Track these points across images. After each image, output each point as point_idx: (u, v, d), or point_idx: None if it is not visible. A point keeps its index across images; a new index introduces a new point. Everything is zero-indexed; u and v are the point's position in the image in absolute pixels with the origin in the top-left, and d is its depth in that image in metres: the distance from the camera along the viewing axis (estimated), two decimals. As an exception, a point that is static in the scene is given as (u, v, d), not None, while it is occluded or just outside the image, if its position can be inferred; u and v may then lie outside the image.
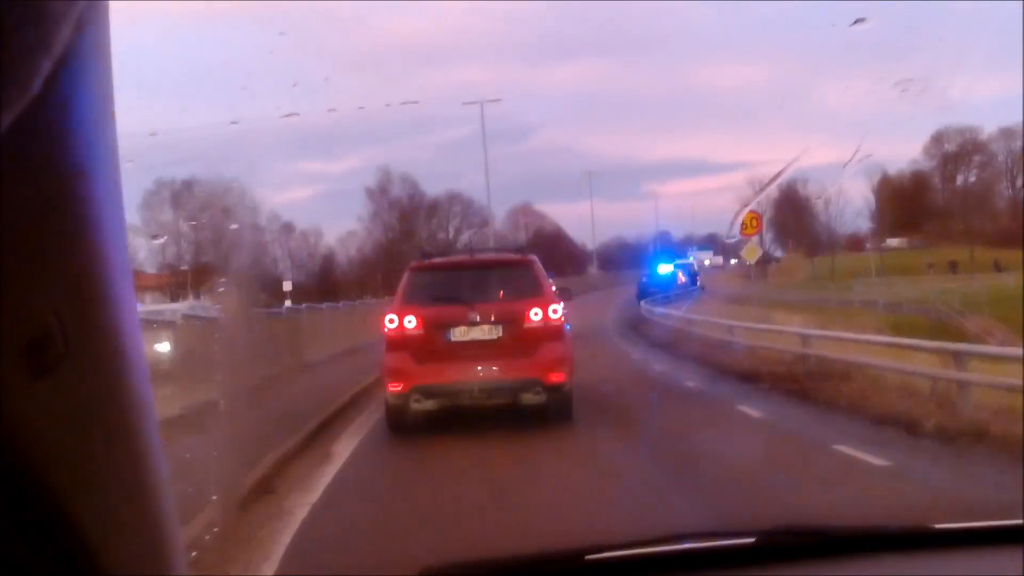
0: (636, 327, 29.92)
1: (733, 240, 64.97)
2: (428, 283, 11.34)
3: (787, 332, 17.70)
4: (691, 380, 15.50)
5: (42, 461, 0.67)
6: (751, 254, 24.32)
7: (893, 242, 79.36)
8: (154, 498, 0.79)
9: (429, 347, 10.80)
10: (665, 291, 42.25)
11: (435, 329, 10.86)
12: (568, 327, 11.50)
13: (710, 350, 19.40)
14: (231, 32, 74.80)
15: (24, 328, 0.65)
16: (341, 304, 26.16)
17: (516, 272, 11.49)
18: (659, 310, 31.93)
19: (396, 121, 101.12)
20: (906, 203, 78.88)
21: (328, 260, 74.24)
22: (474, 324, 10.85)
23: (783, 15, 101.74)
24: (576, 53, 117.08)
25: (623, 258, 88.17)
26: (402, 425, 11.03)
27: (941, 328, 32.73)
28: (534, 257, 11.78)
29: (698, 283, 48.88)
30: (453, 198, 76.26)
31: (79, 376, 0.70)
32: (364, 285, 63.56)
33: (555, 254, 56.30)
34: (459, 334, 10.88)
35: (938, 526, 2.10)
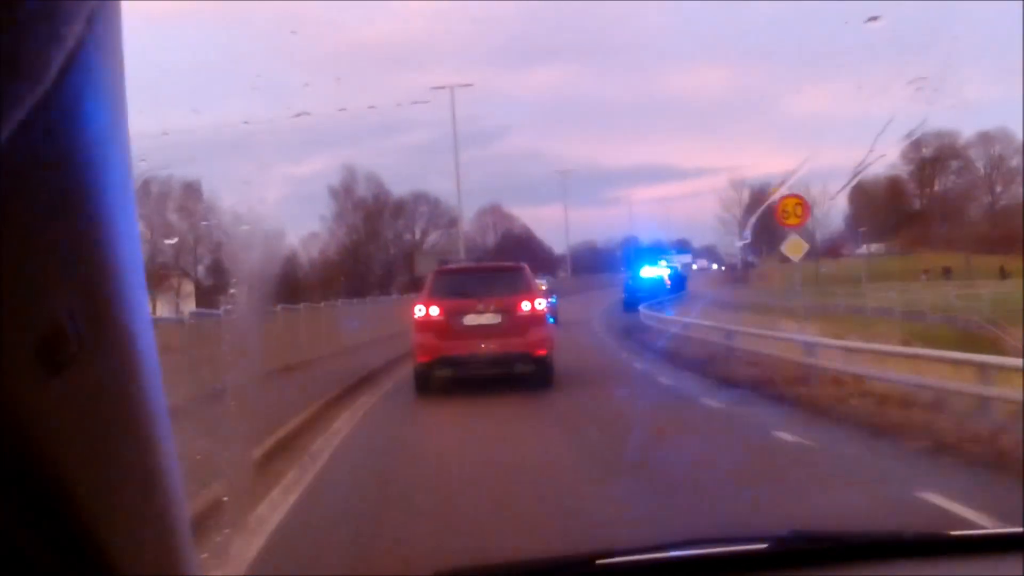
0: (640, 338, 24.15)
1: (746, 242, 60.39)
2: (448, 282, 14.33)
3: (901, 354, 12.06)
4: (782, 428, 9.87)
5: (55, 460, 0.65)
6: (795, 249, 18.70)
7: (871, 248, 75.06)
8: (166, 497, 0.77)
9: (448, 329, 13.55)
10: (653, 296, 36.73)
11: (453, 316, 13.64)
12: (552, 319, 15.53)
13: (772, 373, 13.76)
14: (186, 33, 68.93)
15: (38, 326, 0.63)
16: (279, 308, 20.32)
17: (511, 275, 14.56)
18: (667, 315, 26.33)
19: (362, 124, 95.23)
20: (883, 209, 74.50)
21: (290, 262, 68.09)
22: (481, 313, 13.65)
23: (752, 22, 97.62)
24: (545, 59, 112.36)
25: (593, 262, 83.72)
26: (427, 387, 13.75)
27: (972, 339, 27.50)
28: (525, 265, 15.20)
29: (686, 287, 43.26)
30: (419, 198, 70.42)
31: (92, 375, 0.68)
32: (327, 287, 58.07)
33: (525, 257, 50.84)
34: (470, 320, 13.64)
35: (953, 533, 2.07)
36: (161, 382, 0.76)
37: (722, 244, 76.89)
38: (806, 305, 35.66)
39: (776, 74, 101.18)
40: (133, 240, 0.72)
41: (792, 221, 18.82)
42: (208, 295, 54.62)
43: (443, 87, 40.86)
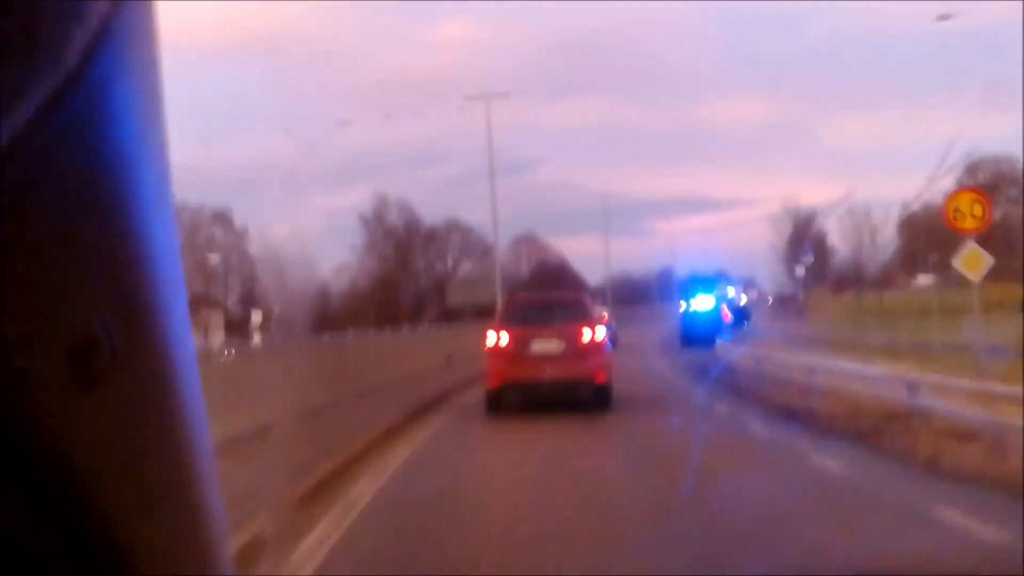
0: (737, 386, 17.78)
1: (808, 263, 54.51)
2: (517, 312, 15.49)
3: None
4: None
5: (88, 478, 0.60)
6: (974, 264, 12.98)
7: (924, 279, 68.71)
8: (205, 518, 0.70)
9: (517, 355, 14.32)
10: (715, 330, 30.86)
11: (521, 343, 14.42)
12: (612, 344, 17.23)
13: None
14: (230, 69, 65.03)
15: (67, 337, 0.57)
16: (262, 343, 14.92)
17: (574, 305, 15.42)
18: (762, 352, 20.34)
19: (394, 156, 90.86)
20: (934, 238, 68.30)
21: (321, 292, 63.26)
22: (547, 340, 14.38)
23: (790, 51, 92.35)
24: (578, 89, 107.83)
25: (631, 293, 78.73)
26: (498, 408, 14.46)
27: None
28: (586, 295, 17.29)
29: (749, 320, 37.13)
30: (452, 227, 65.67)
31: (128, 388, 0.61)
32: (356, 318, 53.17)
33: (560, 288, 45.63)
34: (537, 347, 14.35)
35: None
36: (201, 395, 0.68)
37: (767, 275, 71.05)
38: (913, 343, 29.61)
39: (815, 103, 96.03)
40: (171, 244, 0.64)
41: (968, 224, 13.21)
42: (239, 326, 50.29)
43: (478, 97, 36.12)
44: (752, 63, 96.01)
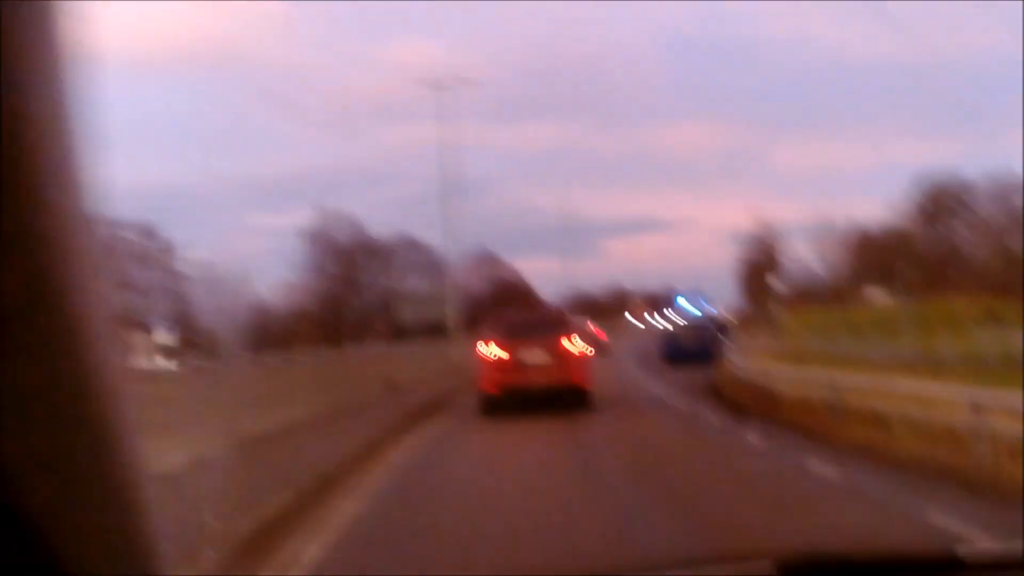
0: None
1: (782, 278, 50.46)
2: (508, 328, 17.01)
3: None
4: None
5: (13, 483, 0.58)
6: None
7: (876, 293, 65.34)
8: (130, 504, 0.68)
9: (510, 365, 16.05)
10: (702, 346, 26.38)
11: (513, 354, 16.11)
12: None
13: None
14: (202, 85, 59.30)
15: None
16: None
17: (557, 321, 17.53)
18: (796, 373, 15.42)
19: (344, 176, 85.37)
20: (885, 253, 65.30)
21: (259, 311, 56.67)
22: (535, 352, 16.07)
23: (745, 83, 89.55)
24: (534, 113, 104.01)
25: (584, 309, 74.43)
26: (493, 410, 15.83)
27: None
28: (567, 313, 20.15)
29: (728, 336, 32.58)
30: (401, 241, 59.87)
31: (43, 368, 0.60)
32: (296, 336, 47.39)
33: (516, 304, 40.61)
34: (528, 358, 16.06)
35: (961, 551, 1.75)
36: (127, 385, 0.67)
37: (720, 292, 67.30)
38: (912, 355, 25.02)
39: (768, 129, 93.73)
40: (92, 255, 0.63)
41: None
42: (163, 348, 44.35)
43: (428, 83, 31.18)
44: (708, 90, 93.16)
